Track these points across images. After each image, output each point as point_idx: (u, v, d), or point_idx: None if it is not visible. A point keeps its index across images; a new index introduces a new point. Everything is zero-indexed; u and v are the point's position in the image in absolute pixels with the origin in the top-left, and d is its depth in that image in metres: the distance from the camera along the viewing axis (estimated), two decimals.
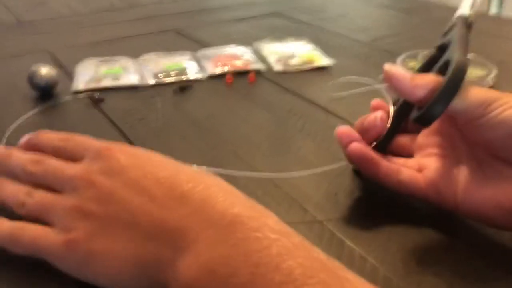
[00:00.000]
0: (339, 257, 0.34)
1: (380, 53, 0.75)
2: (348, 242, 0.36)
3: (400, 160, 0.41)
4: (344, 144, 0.39)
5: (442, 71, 0.36)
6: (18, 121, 0.52)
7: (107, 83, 0.62)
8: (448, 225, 0.37)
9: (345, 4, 1.03)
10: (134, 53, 0.71)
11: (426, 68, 0.41)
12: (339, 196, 0.41)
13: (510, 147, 0.33)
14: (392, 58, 0.68)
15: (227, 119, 0.54)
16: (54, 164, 0.35)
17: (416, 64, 0.64)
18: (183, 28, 0.86)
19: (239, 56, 0.71)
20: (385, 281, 0.32)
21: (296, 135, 0.51)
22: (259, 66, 0.68)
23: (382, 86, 0.47)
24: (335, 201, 0.40)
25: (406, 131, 0.43)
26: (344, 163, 0.41)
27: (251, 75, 0.65)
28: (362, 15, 0.96)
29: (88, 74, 0.64)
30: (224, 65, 0.67)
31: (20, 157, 0.37)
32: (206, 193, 0.30)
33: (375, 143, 0.41)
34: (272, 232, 0.26)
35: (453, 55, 0.35)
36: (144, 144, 0.49)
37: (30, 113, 0.54)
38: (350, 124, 0.42)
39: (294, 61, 0.70)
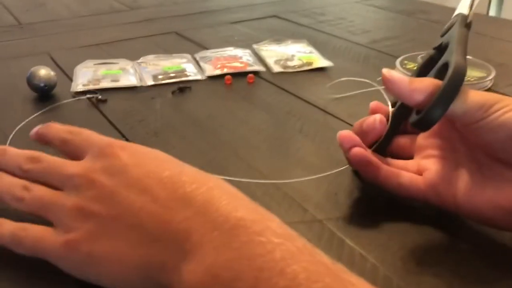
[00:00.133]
0: (339, 257, 0.34)
1: (379, 55, 0.75)
2: (348, 242, 0.36)
3: (400, 162, 0.41)
4: (346, 148, 0.39)
5: (440, 73, 0.36)
6: (21, 124, 0.52)
7: (106, 84, 0.62)
8: (448, 225, 0.37)
9: (344, 6, 1.03)
10: (134, 55, 0.71)
11: (424, 69, 0.41)
12: (339, 196, 0.41)
13: (510, 149, 0.33)
14: (391, 60, 0.68)
15: (227, 120, 0.54)
16: (53, 161, 0.35)
17: (415, 66, 0.64)
18: (183, 30, 0.86)
19: (238, 57, 0.71)
20: (385, 281, 0.32)
21: (295, 136, 0.51)
22: (258, 67, 0.68)
23: (381, 88, 0.47)
24: (335, 201, 0.40)
25: (405, 131, 0.43)
26: (344, 166, 0.42)
27: (250, 76, 0.65)
28: (361, 18, 0.96)
29: (87, 76, 0.64)
30: (224, 66, 0.67)
31: (16, 154, 0.36)
32: (209, 195, 0.29)
33: (374, 145, 0.41)
34: (275, 236, 0.26)
35: (452, 57, 0.35)
36: (144, 144, 0.49)
37: (32, 117, 0.54)
38: (349, 125, 0.42)
39: (293, 63, 0.70)
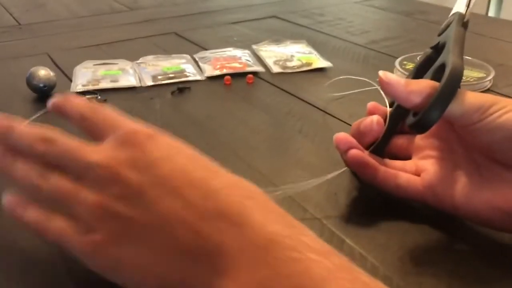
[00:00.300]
0: None
1: (379, 56, 0.75)
2: (348, 241, 0.36)
3: (398, 163, 0.41)
4: (342, 150, 0.39)
5: (437, 74, 0.36)
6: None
7: (105, 84, 0.62)
8: (448, 225, 0.37)
9: (343, 7, 1.04)
10: (134, 56, 0.71)
11: (421, 68, 0.41)
12: (339, 196, 0.41)
13: (508, 151, 0.33)
14: (391, 61, 0.68)
15: (226, 121, 0.54)
16: (70, 144, 0.30)
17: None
18: (182, 30, 0.86)
19: (237, 58, 0.71)
20: (385, 281, 0.32)
21: (294, 137, 0.51)
22: (257, 68, 0.68)
23: (380, 87, 0.47)
24: (335, 200, 0.40)
25: (403, 132, 0.43)
26: (344, 168, 0.42)
27: (250, 77, 0.65)
28: (361, 18, 0.96)
29: (87, 76, 0.64)
30: (223, 67, 0.67)
31: (26, 133, 0.32)
32: (242, 205, 0.27)
33: (372, 146, 0.41)
34: (311, 252, 0.25)
35: (448, 57, 0.35)
36: None
37: (34, 117, 0.54)
38: (349, 125, 0.42)
39: (292, 63, 0.70)
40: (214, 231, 0.26)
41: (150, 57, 0.71)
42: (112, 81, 0.63)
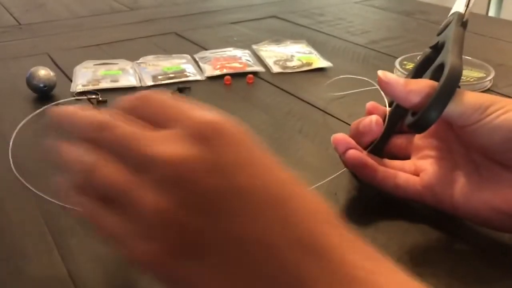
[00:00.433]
0: None
1: (379, 56, 0.75)
2: None
3: (397, 163, 0.41)
4: (341, 151, 0.39)
5: (436, 73, 0.36)
6: (21, 123, 0.52)
7: (105, 84, 0.62)
8: (447, 224, 0.37)
9: (343, 7, 1.04)
10: (134, 56, 0.71)
11: (421, 68, 0.41)
12: (339, 196, 0.41)
13: (507, 151, 0.33)
14: (391, 61, 0.68)
15: None
16: (129, 131, 0.26)
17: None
18: (182, 30, 0.86)
19: (237, 58, 0.71)
20: None
21: (294, 137, 0.51)
22: (257, 68, 0.68)
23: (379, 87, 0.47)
24: (335, 200, 0.40)
25: (402, 131, 0.43)
26: (344, 169, 0.42)
27: (250, 77, 0.65)
28: (361, 18, 0.96)
29: (87, 76, 0.64)
30: (223, 67, 0.67)
31: (84, 116, 0.28)
32: (324, 234, 0.24)
33: (371, 146, 0.41)
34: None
35: (447, 57, 0.35)
36: None
37: (30, 115, 0.54)
38: (349, 126, 0.42)
39: (292, 63, 0.70)
40: (294, 260, 0.23)
41: (150, 57, 0.71)
42: (112, 81, 0.63)
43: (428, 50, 0.42)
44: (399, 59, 0.67)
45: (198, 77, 0.65)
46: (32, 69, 0.59)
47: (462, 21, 0.39)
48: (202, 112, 0.25)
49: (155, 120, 0.26)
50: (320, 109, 0.57)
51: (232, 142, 0.25)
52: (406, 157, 0.41)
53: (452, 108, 0.33)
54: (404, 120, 0.38)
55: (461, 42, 0.37)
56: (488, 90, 0.61)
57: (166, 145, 0.24)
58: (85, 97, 0.59)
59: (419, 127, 0.34)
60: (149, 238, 0.24)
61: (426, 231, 0.37)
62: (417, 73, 0.41)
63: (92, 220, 0.26)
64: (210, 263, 0.23)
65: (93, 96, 0.59)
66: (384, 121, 0.41)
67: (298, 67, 0.69)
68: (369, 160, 0.38)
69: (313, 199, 0.25)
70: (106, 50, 0.76)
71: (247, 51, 0.74)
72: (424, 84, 0.35)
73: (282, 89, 0.63)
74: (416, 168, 0.39)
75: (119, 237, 0.25)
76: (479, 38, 0.81)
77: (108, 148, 0.26)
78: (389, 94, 0.36)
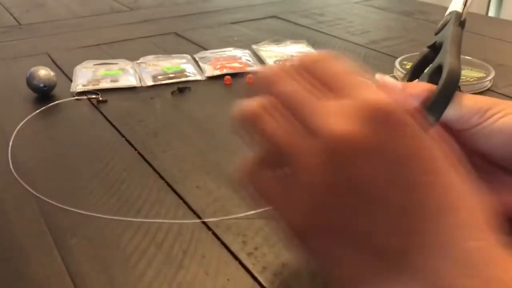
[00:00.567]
0: None
1: (379, 56, 0.75)
2: None
3: None
4: None
5: (434, 75, 0.36)
6: (20, 124, 0.52)
7: (105, 84, 0.62)
8: None
9: (343, 7, 1.04)
10: (134, 56, 0.71)
11: (418, 68, 0.41)
12: None
13: (506, 154, 0.33)
14: (391, 61, 0.68)
15: (226, 120, 0.54)
16: (307, 98, 0.25)
17: None
18: (182, 30, 0.86)
19: (238, 58, 0.71)
20: None
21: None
22: (257, 68, 0.68)
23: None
24: None
25: None
26: None
27: (250, 76, 0.65)
28: (361, 18, 0.96)
29: (87, 76, 0.64)
30: (223, 67, 0.67)
31: (273, 73, 0.28)
32: (484, 254, 0.22)
33: None
34: None
35: (446, 59, 0.35)
36: (144, 145, 0.49)
37: (30, 116, 0.54)
38: None
39: None
40: (451, 278, 0.22)
41: (150, 57, 0.71)
42: (112, 81, 0.63)
43: (425, 50, 0.41)
44: (399, 59, 0.67)
45: (198, 77, 0.65)
46: (32, 69, 0.59)
47: (460, 21, 0.39)
48: (378, 95, 0.24)
49: (330, 85, 0.25)
50: None
51: (401, 132, 0.23)
52: None
53: (451, 112, 0.33)
54: None
55: (459, 42, 0.37)
56: (488, 90, 0.61)
57: (335, 118, 0.23)
58: (85, 97, 0.59)
59: None
60: (302, 206, 0.24)
61: None
62: (414, 73, 0.41)
63: (250, 182, 0.27)
64: (359, 249, 0.23)
65: (93, 96, 0.59)
66: None
67: None
68: None
69: (479, 214, 0.24)
70: (106, 50, 0.76)
71: (247, 51, 0.74)
72: (423, 88, 0.34)
73: None
74: None
75: (275, 201, 0.25)
76: (479, 38, 0.81)
77: (284, 103, 0.26)
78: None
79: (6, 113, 0.56)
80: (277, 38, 0.80)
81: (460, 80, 0.34)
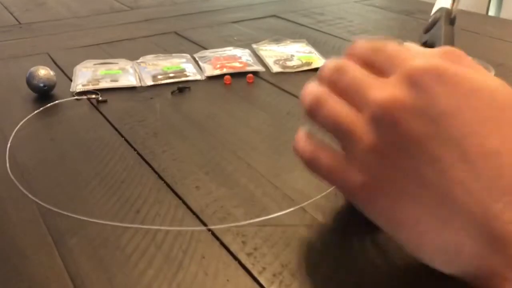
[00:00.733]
0: (339, 257, 0.34)
1: None
2: (348, 241, 0.36)
3: None
4: None
5: None
6: (20, 123, 0.52)
7: (105, 84, 0.62)
8: None
9: (343, 6, 1.04)
10: (134, 55, 0.71)
11: None
12: (339, 196, 0.41)
13: None
14: None
15: (226, 120, 0.54)
16: (359, 77, 0.29)
17: None
18: (182, 30, 0.86)
19: (237, 57, 0.71)
20: (386, 280, 0.32)
21: (294, 136, 0.51)
22: (257, 67, 0.68)
23: None
24: (335, 201, 0.40)
25: None
26: None
27: (250, 76, 0.65)
28: (361, 17, 0.96)
29: (87, 76, 0.64)
30: (223, 66, 0.67)
31: (327, 62, 0.31)
32: None
33: None
34: None
35: None
36: (144, 145, 0.49)
37: (30, 115, 0.54)
38: None
39: (292, 63, 0.70)
40: (508, 216, 0.23)
41: (150, 57, 0.71)
42: (112, 80, 0.63)
43: None
44: None
45: (198, 77, 0.65)
46: (32, 69, 0.59)
47: (450, 18, 0.39)
48: (424, 60, 0.27)
49: (382, 67, 0.28)
50: None
51: (445, 89, 0.25)
52: None
53: None
54: None
55: (452, 42, 0.37)
56: None
57: (382, 90, 0.26)
58: (85, 97, 0.59)
59: None
60: (362, 171, 0.27)
61: None
62: None
63: (312, 158, 0.30)
64: (417, 206, 0.25)
65: (93, 96, 0.59)
66: None
67: (298, 66, 0.69)
68: None
69: None
70: (106, 50, 0.76)
71: (247, 50, 0.74)
72: None
73: (282, 89, 0.63)
74: None
75: (334, 168, 0.28)
76: (479, 37, 0.81)
77: (341, 89, 0.29)
78: None
79: (6, 113, 0.56)
80: (277, 37, 0.80)
81: None
